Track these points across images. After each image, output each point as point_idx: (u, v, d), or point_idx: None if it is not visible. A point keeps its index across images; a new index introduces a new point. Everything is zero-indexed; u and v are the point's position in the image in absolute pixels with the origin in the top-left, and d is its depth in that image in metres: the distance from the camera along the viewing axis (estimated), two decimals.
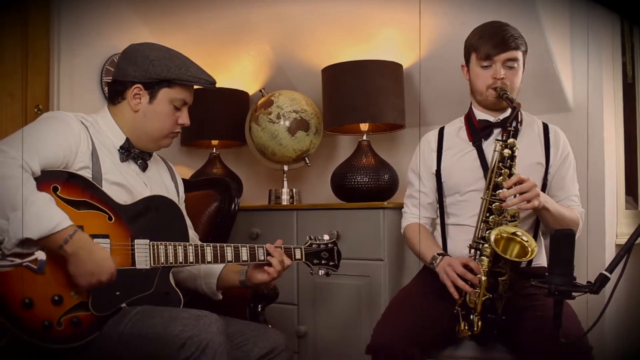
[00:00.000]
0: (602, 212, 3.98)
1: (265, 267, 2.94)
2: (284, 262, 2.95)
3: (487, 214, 2.88)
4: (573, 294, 2.15)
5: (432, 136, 3.38)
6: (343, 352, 4.05)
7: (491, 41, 3.03)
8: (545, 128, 3.23)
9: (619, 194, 4.18)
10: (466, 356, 3.01)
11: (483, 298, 2.82)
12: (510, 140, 2.82)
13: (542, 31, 3.76)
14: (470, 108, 3.27)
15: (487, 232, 2.86)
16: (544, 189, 3.13)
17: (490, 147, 3.12)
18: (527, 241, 2.75)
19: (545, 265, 2.96)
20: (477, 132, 3.18)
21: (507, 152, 2.82)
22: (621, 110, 4.18)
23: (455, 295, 2.89)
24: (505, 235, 2.79)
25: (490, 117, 3.17)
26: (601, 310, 2.13)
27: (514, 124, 2.81)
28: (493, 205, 2.86)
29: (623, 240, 3.94)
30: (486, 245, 2.84)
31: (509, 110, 3.07)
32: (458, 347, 3.01)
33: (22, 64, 4.28)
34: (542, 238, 3.21)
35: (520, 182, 2.77)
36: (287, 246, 3.03)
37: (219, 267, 3.09)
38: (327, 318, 4.16)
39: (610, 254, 3.96)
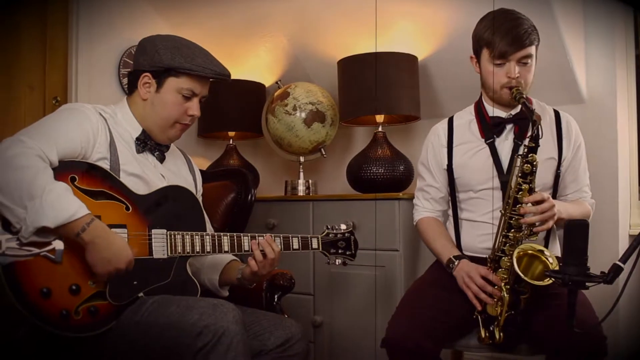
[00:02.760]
0: (616, 203, 3.99)
1: (248, 259, 2.92)
2: (270, 253, 2.90)
3: (506, 228, 2.86)
4: (587, 284, 2.16)
5: (441, 130, 3.31)
6: (358, 341, 4.07)
7: (506, 38, 2.92)
8: (557, 117, 3.18)
9: (632, 184, 4.17)
10: (482, 346, 3.01)
11: (506, 314, 2.83)
12: (531, 156, 2.77)
13: (556, 23, 3.76)
14: (481, 100, 3.22)
15: (507, 245, 2.85)
16: (557, 180, 3.12)
17: (503, 144, 3.10)
18: (551, 263, 2.72)
19: (559, 255, 2.98)
20: (490, 128, 3.13)
21: (527, 167, 2.77)
22: (634, 102, 4.16)
23: (479, 306, 2.90)
24: (530, 252, 2.77)
25: (502, 113, 3.12)
26: (615, 300, 2.14)
27: (534, 133, 2.74)
28: (512, 220, 2.84)
29: (636, 230, 3.97)
30: (505, 258, 2.85)
31: (520, 105, 3.01)
32: (474, 337, 3.02)
33: (41, 56, 4.31)
34: (555, 228, 3.20)
35: (540, 201, 2.77)
36: (304, 235, 3.04)
37: (222, 263, 3.11)
38: (343, 308, 4.18)
39: (623, 245, 3.97)
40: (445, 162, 3.25)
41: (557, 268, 2.68)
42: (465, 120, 3.27)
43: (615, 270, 2.10)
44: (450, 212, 3.32)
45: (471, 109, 3.28)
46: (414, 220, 3.42)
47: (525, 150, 2.79)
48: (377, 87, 4.16)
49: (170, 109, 2.87)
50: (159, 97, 2.85)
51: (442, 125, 3.34)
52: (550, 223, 2.78)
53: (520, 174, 2.81)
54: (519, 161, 2.82)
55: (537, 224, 2.79)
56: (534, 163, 2.78)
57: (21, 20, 4.22)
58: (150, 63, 2.82)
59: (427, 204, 3.36)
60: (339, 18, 4.48)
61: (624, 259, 2.11)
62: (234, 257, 3.13)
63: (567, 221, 2.21)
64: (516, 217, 2.83)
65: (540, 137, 2.77)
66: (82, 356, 2.56)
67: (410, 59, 4.30)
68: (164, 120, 2.88)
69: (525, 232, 2.84)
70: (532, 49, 2.98)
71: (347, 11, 4.41)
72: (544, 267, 2.74)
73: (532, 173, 2.80)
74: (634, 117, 4.17)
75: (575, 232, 2.18)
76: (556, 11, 3.72)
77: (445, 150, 3.26)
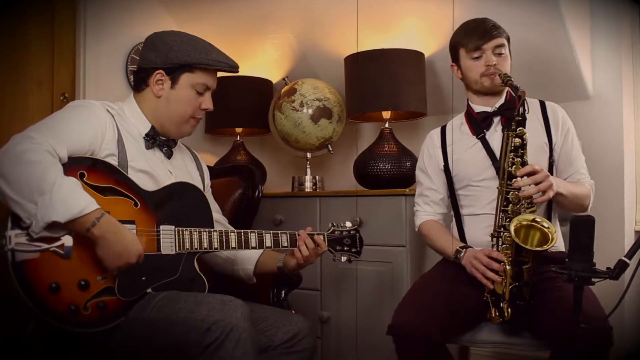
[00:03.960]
0: (622, 199, 4.00)
1: (295, 252, 2.98)
2: (317, 249, 3.00)
3: (505, 204, 2.89)
4: (593, 279, 2.17)
5: (435, 134, 3.43)
6: (365, 337, 4.08)
7: (476, 33, 3.12)
8: (542, 106, 3.25)
9: (638, 180, 4.18)
10: (488, 341, 3.04)
11: (510, 286, 2.84)
12: (519, 129, 2.84)
13: (562, 20, 3.77)
14: (468, 104, 3.32)
15: (507, 220, 2.87)
16: (551, 167, 3.15)
17: (493, 136, 3.18)
18: (547, 227, 2.75)
19: (563, 249, 2.99)
20: (478, 124, 3.23)
21: (517, 141, 2.84)
22: None
23: (490, 286, 2.90)
24: (525, 223, 2.80)
25: (487, 107, 3.22)
26: (620, 296, 2.15)
27: (521, 111, 2.83)
28: (509, 194, 2.87)
29: None
30: (506, 234, 2.86)
31: (504, 97, 3.19)
32: (480, 332, 3.04)
33: (48, 53, 4.32)
34: (558, 223, 3.23)
35: (533, 172, 2.79)
36: (310, 233, 3.05)
37: (257, 254, 3.14)
38: (350, 303, 4.19)
39: (629, 240, 3.98)
40: (442, 162, 3.33)
41: (554, 233, 2.72)
42: (457, 124, 3.36)
43: (621, 266, 2.11)
44: (452, 213, 3.36)
45: (461, 115, 3.37)
46: (416, 226, 3.45)
47: (514, 124, 2.85)
48: (384, 83, 4.17)
49: (187, 105, 2.89)
50: (175, 93, 2.87)
51: (436, 130, 3.45)
52: (550, 193, 2.78)
53: (512, 148, 2.86)
54: (507, 135, 2.87)
55: (535, 196, 2.82)
56: (524, 136, 2.85)
57: (29, 17, 4.23)
58: (164, 60, 2.82)
59: (427, 207, 3.41)
60: (345, 15, 4.49)
61: (630, 254, 2.12)
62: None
63: (573, 217, 2.24)
64: (512, 191, 2.87)
65: (527, 111, 2.85)
66: (91, 351, 2.57)
67: (417, 55, 4.30)
68: (180, 116, 2.90)
69: (524, 204, 2.87)
70: (502, 40, 3.14)
71: (354, 8, 4.41)
72: (541, 235, 2.76)
73: (523, 146, 2.86)
74: (639, 112, 4.17)
75: (581, 228, 2.20)
76: (562, 7, 3.73)
77: (440, 151, 3.35)
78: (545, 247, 2.69)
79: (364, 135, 5.10)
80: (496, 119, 3.20)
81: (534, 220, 2.78)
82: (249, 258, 3.14)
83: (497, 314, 2.90)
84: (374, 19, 4.44)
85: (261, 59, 5.16)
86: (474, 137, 3.24)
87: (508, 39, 3.18)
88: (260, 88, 4.97)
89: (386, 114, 4.40)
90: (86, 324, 2.46)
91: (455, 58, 3.28)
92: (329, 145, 4.70)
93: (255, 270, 3.13)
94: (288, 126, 4.56)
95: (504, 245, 2.88)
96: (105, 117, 2.72)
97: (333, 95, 4.59)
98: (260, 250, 3.14)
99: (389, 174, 4.22)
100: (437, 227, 3.34)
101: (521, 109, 2.82)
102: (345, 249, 3.15)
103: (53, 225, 2.36)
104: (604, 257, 2.39)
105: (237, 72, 2.96)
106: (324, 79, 4.81)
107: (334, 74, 4.72)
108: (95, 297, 2.49)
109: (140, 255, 2.53)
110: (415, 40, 4.40)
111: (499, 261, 2.87)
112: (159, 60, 2.84)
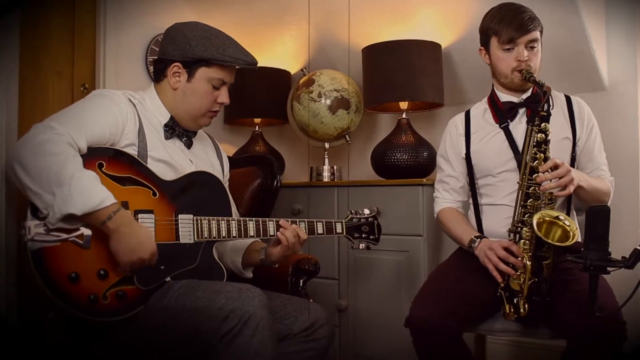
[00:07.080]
0: (637, 189, 3.98)
1: (279, 237, 2.91)
2: (299, 236, 2.94)
3: (525, 199, 2.88)
4: (608, 268, 2.18)
5: (459, 120, 3.38)
6: (382, 325, 4.10)
7: (512, 24, 3.02)
8: (568, 101, 3.23)
9: None
10: (504, 330, 3.03)
11: (529, 282, 2.83)
12: (543, 124, 2.81)
13: (577, 10, 3.77)
14: (493, 90, 3.28)
15: (526, 216, 2.87)
16: (573, 162, 3.14)
17: (517, 127, 3.15)
18: (569, 225, 2.75)
19: (580, 240, 2.99)
20: (503, 113, 3.19)
21: (540, 136, 2.82)
22: None
23: (499, 278, 2.91)
24: (547, 219, 2.80)
25: (514, 98, 3.18)
26: (635, 285, 2.16)
27: (545, 107, 2.81)
28: (530, 189, 2.86)
29: None
30: (526, 229, 2.86)
31: (531, 89, 3.13)
32: (496, 321, 3.03)
33: (69, 44, 4.35)
34: (575, 214, 3.22)
35: (555, 167, 2.78)
36: (329, 220, 3.06)
37: (244, 245, 3.13)
38: (367, 292, 4.21)
39: None
40: (464, 150, 3.29)
41: (575, 230, 2.72)
42: (480, 110, 3.34)
43: (637, 255, 2.12)
44: (470, 201, 3.35)
45: (485, 100, 3.34)
46: (435, 212, 3.44)
47: (538, 119, 2.83)
48: (402, 74, 4.19)
49: (202, 99, 2.89)
50: (191, 87, 2.87)
51: (460, 116, 3.41)
52: (571, 188, 2.78)
53: (534, 144, 2.85)
54: (531, 130, 2.86)
55: (555, 190, 2.81)
56: (547, 132, 2.83)
57: (50, 8, 4.25)
58: (181, 53, 2.83)
59: (446, 194, 3.40)
60: (363, 6, 4.49)
61: None
62: (256, 239, 3.13)
63: (589, 207, 2.24)
64: (534, 186, 2.86)
65: (551, 106, 2.82)
66: (110, 340, 2.59)
67: (434, 46, 4.31)
68: (196, 109, 2.91)
69: (544, 200, 2.87)
70: (537, 34, 3.07)
71: (372, 0, 4.42)
72: (562, 232, 2.76)
73: (546, 142, 2.84)
74: None
75: (597, 217, 2.21)
76: None
77: (463, 139, 3.31)
78: (567, 243, 2.69)
79: (381, 126, 5.11)
80: (521, 111, 3.17)
81: (557, 217, 2.79)
82: (237, 250, 3.12)
83: (511, 310, 2.90)
84: (391, 10, 4.45)
85: (279, 50, 5.18)
86: (497, 126, 3.21)
87: (541, 31, 3.11)
88: (279, 79, 4.99)
89: (403, 105, 4.41)
90: (105, 313, 2.47)
91: (485, 43, 3.21)
92: (347, 136, 4.71)
93: (242, 262, 3.10)
94: (306, 117, 4.58)
95: (522, 240, 2.88)
96: (127, 107, 2.74)
97: (351, 86, 4.60)
98: (249, 241, 3.13)
99: (406, 164, 4.23)
100: (455, 215, 3.33)
101: (546, 105, 2.81)
102: (364, 236, 3.15)
103: (69, 217, 2.38)
104: (619, 246, 2.40)
105: (256, 67, 2.94)
106: (342, 70, 4.82)
107: (352, 65, 4.72)
108: (115, 286, 2.51)
109: (153, 253, 2.54)
110: (432, 31, 4.41)
111: (516, 256, 2.88)
112: (176, 53, 2.84)
